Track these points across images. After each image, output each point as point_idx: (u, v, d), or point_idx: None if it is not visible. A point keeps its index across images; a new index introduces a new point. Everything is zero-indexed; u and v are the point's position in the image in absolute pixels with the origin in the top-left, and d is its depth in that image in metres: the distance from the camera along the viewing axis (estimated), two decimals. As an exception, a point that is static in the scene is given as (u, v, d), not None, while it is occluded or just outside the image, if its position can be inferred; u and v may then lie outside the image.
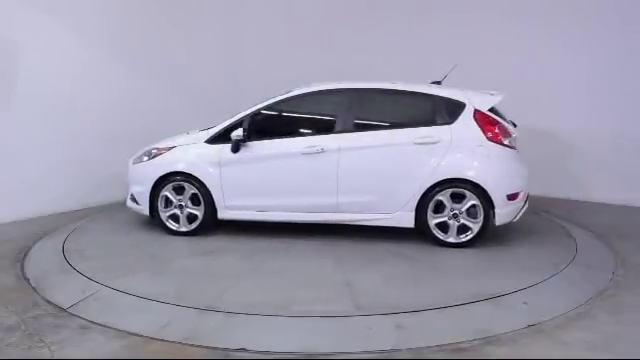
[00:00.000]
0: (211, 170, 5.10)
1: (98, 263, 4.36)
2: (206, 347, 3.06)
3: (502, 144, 4.75)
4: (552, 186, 6.74)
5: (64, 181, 6.25)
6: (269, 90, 5.37)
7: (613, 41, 6.61)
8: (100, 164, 6.56)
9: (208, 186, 5.12)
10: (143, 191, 5.26)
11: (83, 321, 3.38)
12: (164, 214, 5.25)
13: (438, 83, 5.33)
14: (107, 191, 6.63)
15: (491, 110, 4.85)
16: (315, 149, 4.88)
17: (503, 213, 4.72)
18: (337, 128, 4.96)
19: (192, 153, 5.20)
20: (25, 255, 4.71)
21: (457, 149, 4.73)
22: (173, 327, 3.27)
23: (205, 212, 5.16)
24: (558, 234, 5.22)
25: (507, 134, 4.81)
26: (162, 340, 3.12)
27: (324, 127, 5.09)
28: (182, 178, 5.18)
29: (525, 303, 3.58)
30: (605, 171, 6.55)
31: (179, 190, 5.22)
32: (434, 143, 4.75)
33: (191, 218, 5.23)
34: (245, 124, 5.01)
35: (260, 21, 8.46)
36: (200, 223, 5.20)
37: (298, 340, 3.13)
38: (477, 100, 4.87)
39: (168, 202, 5.26)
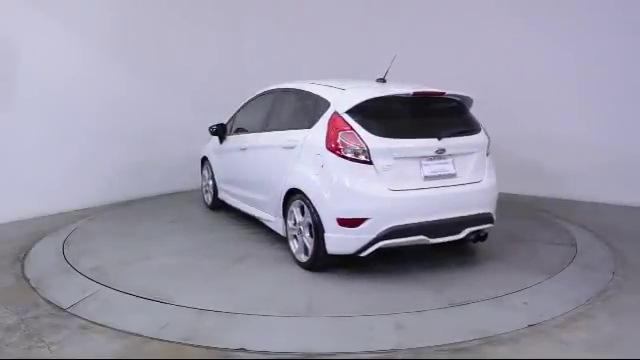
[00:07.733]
0: (214, 157, 6.15)
1: (98, 263, 4.36)
2: (205, 347, 3.06)
3: (342, 155, 3.85)
4: (551, 186, 6.73)
5: (64, 181, 6.26)
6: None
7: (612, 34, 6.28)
8: (100, 164, 6.56)
9: (212, 169, 6.18)
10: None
11: (83, 321, 3.38)
12: (203, 189, 6.59)
13: (383, 81, 4.63)
14: (107, 191, 6.64)
15: (360, 110, 3.95)
16: (242, 146, 5.32)
17: (334, 240, 3.88)
18: (259, 127, 5.14)
19: (212, 142, 6.20)
20: (25, 255, 4.72)
21: (304, 156, 4.18)
22: (172, 327, 3.27)
23: (213, 191, 6.20)
24: (558, 234, 5.21)
25: (356, 144, 3.83)
26: (161, 340, 3.12)
27: (256, 126, 5.26)
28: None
29: (525, 303, 3.57)
30: (605, 171, 6.53)
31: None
32: (292, 148, 4.34)
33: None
34: (230, 121, 5.79)
35: (260, 21, 8.47)
36: (212, 200, 6.26)
37: (298, 340, 3.13)
38: (341, 98, 4.09)
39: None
